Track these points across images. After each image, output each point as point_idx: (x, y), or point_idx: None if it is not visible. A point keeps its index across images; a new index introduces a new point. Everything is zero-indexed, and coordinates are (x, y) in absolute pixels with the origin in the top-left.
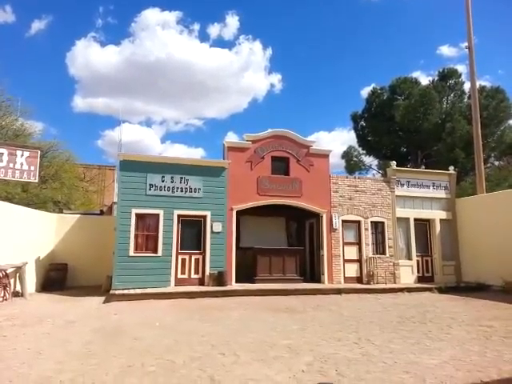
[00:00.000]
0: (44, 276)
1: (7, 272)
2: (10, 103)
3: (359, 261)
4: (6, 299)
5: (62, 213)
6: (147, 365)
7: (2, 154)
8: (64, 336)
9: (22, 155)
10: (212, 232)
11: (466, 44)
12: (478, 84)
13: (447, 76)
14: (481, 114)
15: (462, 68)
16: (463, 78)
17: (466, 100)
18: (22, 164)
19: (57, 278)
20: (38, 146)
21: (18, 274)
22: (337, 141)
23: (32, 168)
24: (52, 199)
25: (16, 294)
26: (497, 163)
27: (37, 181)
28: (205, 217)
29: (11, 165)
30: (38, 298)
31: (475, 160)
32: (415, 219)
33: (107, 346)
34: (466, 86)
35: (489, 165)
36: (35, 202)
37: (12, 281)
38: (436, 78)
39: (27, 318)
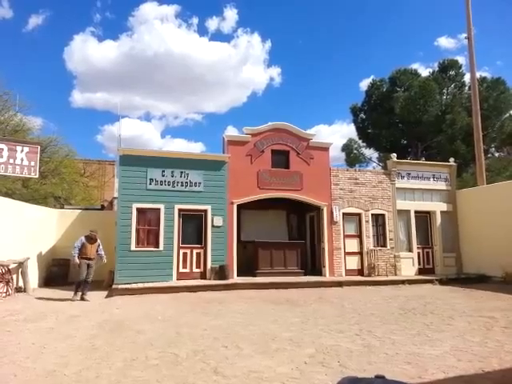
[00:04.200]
0: (46, 271)
1: (9, 268)
2: (8, 98)
3: (360, 253)
4: (8, 295)
5: (62, 208)
6: (150, 358)
7: (2, 149)
8: (67, 330)
9: (22, 151)
10: (213, 226)
11: (465, 35)
12: (478, 75)
13: (447, 67)
14: (481, 106)
15: (461, 59)
16: (463, 69)
17: (466, 91)
18: (22, 159)
19: (59, 273)
20: (38, 141)
21: (20, 270)
22: (337, 134)
23: (32, 163)
24: (52, 194)
25: (19, 290)
26: (497, 154)
27: (37, 176)
28: (205, 211)
29: (11, 160)
30: (41, 293)
31: (475, 151)
32: (416, 211)
33: (110, 340)
34: (467, 78)
35: (489, 155)
36: (35, 198)
37: (14, 276)
38: (436, 70)
39: (30, 313)
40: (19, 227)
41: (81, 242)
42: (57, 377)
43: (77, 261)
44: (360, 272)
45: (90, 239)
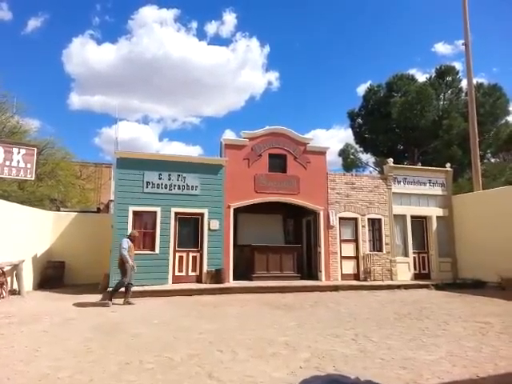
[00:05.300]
0: (41, 274)
1: (4, 270)
2: (6, 100)
3: (356, 258)
4: (2, 297)
5: (58, 210)
6: (145, 362)
7: None
8: (62, 334)
9: (19, 153)
10: (209, 229)
11: (463, 41)
12: (475, 81)
13: (444, 73)
14: (477, 112)
15: (457, 65)
16: (460, 75)
17: (463, 97)
18: (18, 161)
19: (54, 275)
20: (35, 143)
21: (14, 272)
22: (334, 138)
23: (28, 166)
24: (48, 197)
25: (13, 292)
26: (493, 160)
27: (33, 178)
28: (202, 214)
29: (7, 162)
30: (36, 296)
31: (471, 157)
32: (412, 216)
33: (105, 344)
34: (463, 84)
35: (485, 161)
36: (31, 200)
37: (9, 279)
38: (433, 75)
39: (24, 316)
40: (14, 229)
41: (128, 244)
42: (50, 380)
43: (131, 262)
44: (356, 276)
45: (133, 241)
